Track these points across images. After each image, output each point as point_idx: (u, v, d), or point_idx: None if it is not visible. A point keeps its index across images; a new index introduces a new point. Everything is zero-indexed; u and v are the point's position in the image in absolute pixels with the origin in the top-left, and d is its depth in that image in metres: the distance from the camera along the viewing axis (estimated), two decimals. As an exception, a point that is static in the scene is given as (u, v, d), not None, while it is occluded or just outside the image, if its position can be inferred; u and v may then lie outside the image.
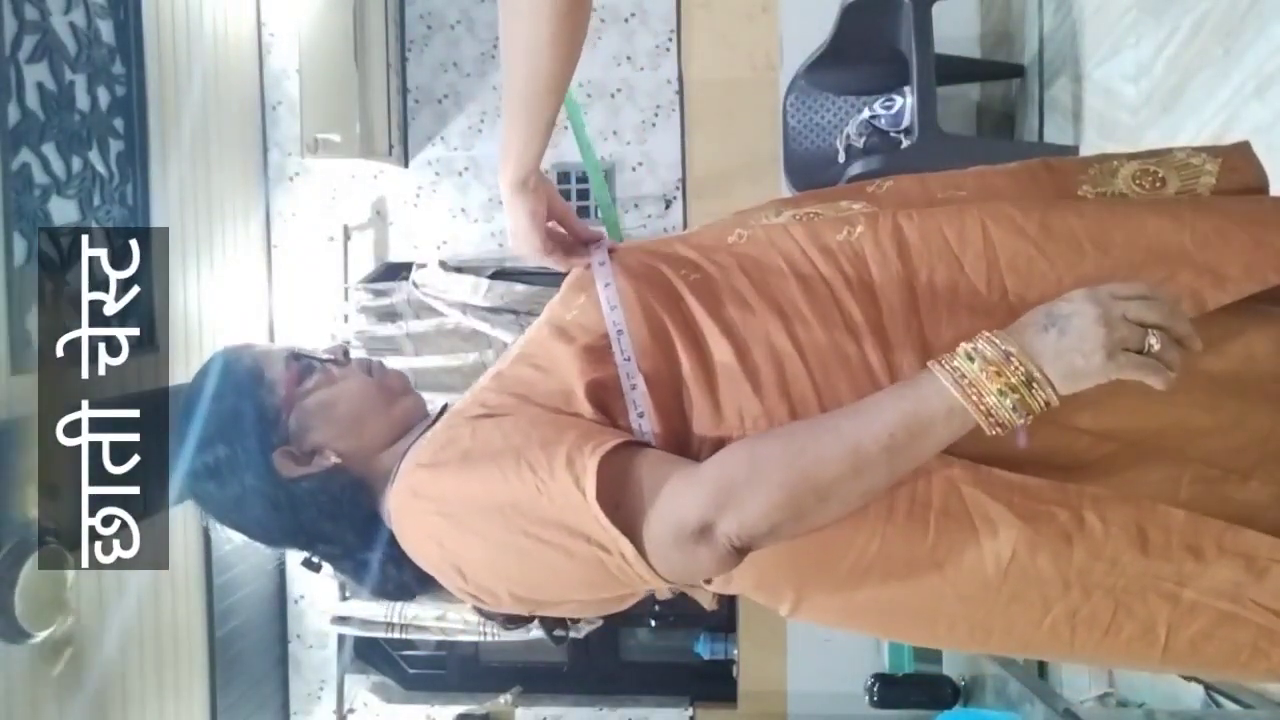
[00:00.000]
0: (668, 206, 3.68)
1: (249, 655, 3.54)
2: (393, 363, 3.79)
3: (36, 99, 2.60)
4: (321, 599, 3.72)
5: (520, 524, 0.90)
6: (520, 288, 3.44)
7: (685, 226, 3.68)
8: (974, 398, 0.80)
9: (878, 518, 0.89)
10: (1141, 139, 2.44)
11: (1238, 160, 1.04)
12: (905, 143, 3.02)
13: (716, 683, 3.79)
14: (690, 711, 3.80)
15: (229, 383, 1.08)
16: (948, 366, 0.82)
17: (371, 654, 3.89)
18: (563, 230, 1.10)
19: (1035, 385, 0.79)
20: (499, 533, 0.92)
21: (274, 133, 3.76)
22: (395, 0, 3.66)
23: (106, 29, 2.89)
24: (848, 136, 3.21)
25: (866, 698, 3.37)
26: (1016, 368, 0.80)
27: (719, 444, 0.92)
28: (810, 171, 3.34)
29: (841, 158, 3.23)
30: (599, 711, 3.82)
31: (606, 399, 0.95)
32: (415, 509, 0.98)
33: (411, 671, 3.98)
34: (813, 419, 0.89)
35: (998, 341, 0.81)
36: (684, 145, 3.67)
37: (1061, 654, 0.95)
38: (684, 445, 0.94)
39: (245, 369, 1.08)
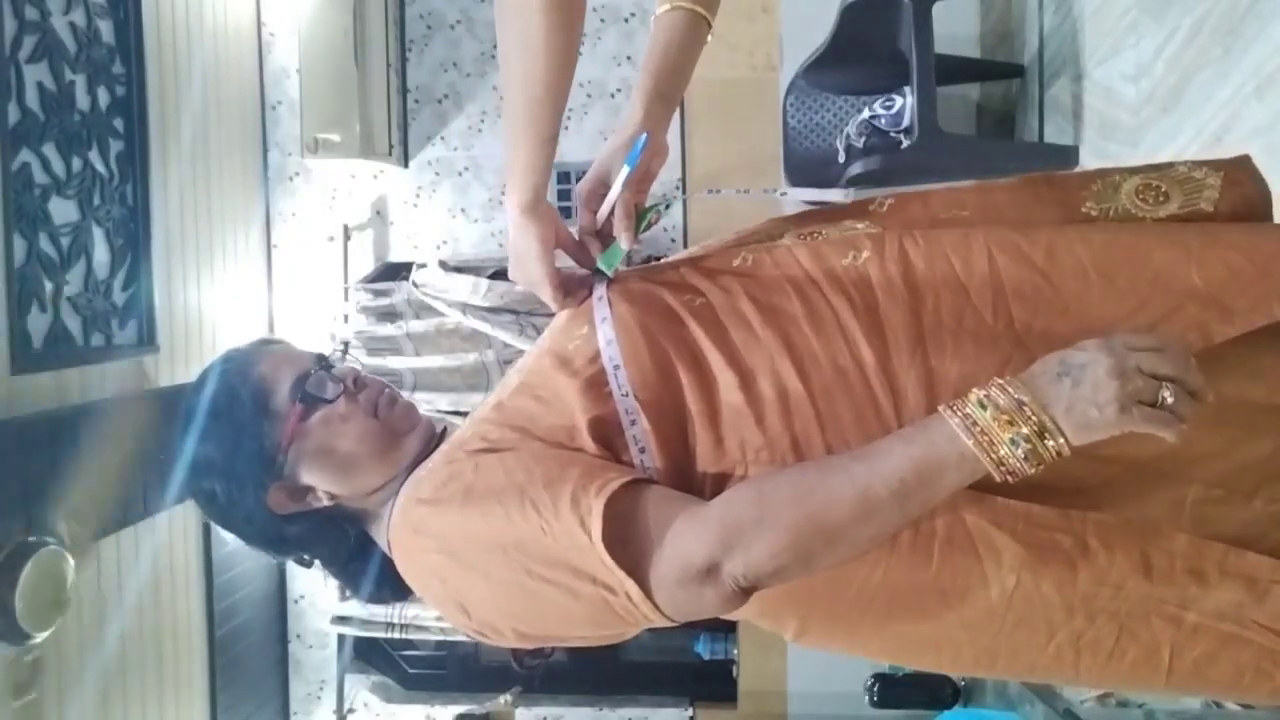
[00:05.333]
0: (667, 208, 3.68)
1: (249, 655, 3.54)
2: (393, 363, 3.80)
3: (36, 99, 2.59)
4: (321, 599, 3.72)
5: (524, 563, 0.90)
6: (520, 288, 3.43)
7: (685, 227, 3.68)
8: (986, 446, 0.79)
9: (881, 548, 0.88)
10: (1141, 139, 2.44)
11: (1239, 174, 1.03)
12: (905, 143, 3.02)
13: (716, 683, 3.79)
14: (690, 711, 3.80)
15: (232, 406, 1.05)
16: (959, 413, 0.81)
17: (371, 654, 3.89)
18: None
19: (1048, 435, 0.79)
20: (503, 571, 0.91)
21: (274, 133, 3.76)
22: (395, 0, 3.66)
23: (106, 29, 2.89)
24: (848, 136, 3.21)
25: (866, 698, 3.38)
26: (1029, 417, 0.79)
27: (721, 477, 0.92)
28: (810, 171, 3.34)
29: (841, 158, 3.23)
30: (599, 711, 3.82)
31: (609, 435, 0.94)
32: (417, 546, 0.98)
33: (411, 671, 3.98)
34: (822, 461, 0.89)
35: (1010, 390, 0.80)
36: (684, 145, 3.67)
37: (1067, 678, 0.95)
38: (687, 478, 0.93)
39: (251, 392, 1.05)
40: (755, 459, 0.91)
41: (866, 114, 3.15)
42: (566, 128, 3.15)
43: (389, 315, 3.64)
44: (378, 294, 3.64)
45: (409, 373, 3.59)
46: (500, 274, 3.55)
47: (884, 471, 0.83)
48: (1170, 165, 1.05)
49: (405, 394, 3.92)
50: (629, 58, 3.69)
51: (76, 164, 2.74)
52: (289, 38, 3.62)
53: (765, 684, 3.69)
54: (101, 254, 2.83)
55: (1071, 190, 1.03)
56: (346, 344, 3.64)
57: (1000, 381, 0.81)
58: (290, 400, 1.04)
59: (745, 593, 0.87)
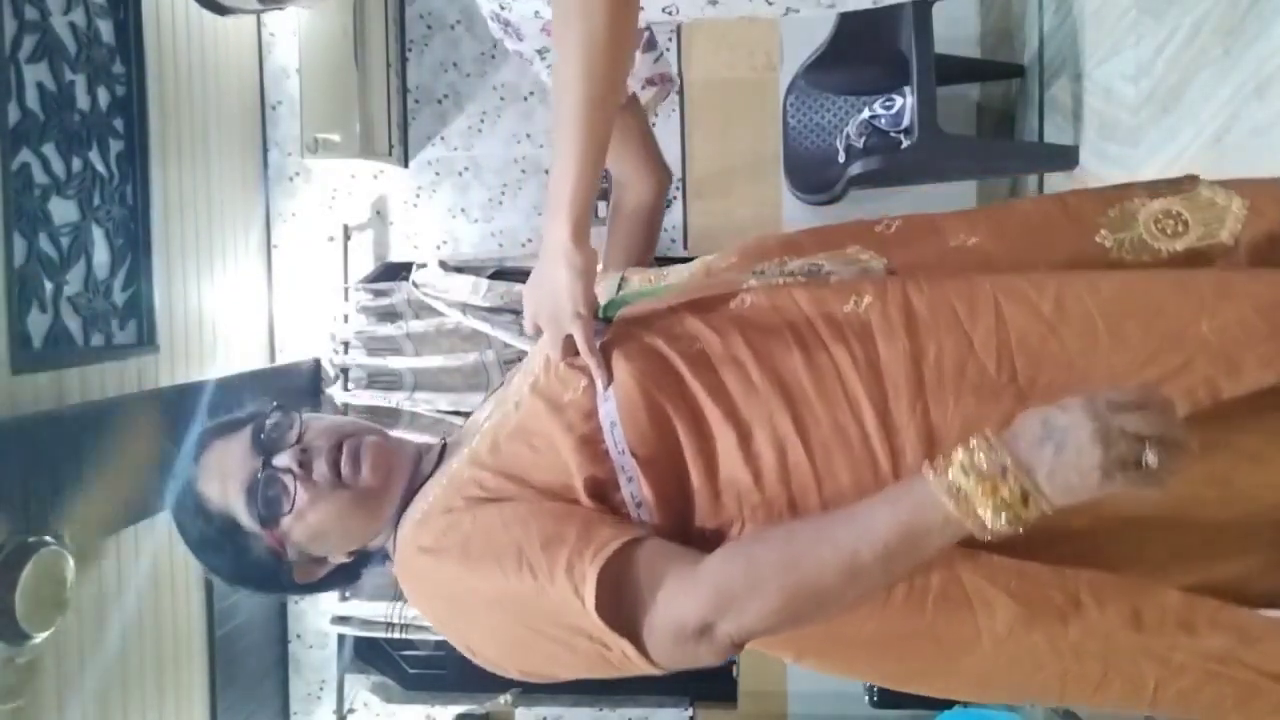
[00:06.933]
0: (668, 206, 3.68)
1: (249, 655, 3.54)
2: (393, 363, 3.78)
3: (36, 99, 2.59)
4: (322, 599, 3.72)
5: (523, 618, 0.92)
6: (520, 288, 3.41)
7: (685, 226, 3.68)
8: (968, 512, 0.79)
9: (875, 602, 0.90)
10: (1142, 139, 2.44)
11: (1264, 201, 1.00)
12: (905, 143, 3.02)
13: (716, 683, 3.79)
14: (690, 711, 3.80)
15: (215, 539, 1.07)
16: (944, 476, 0.80)
17: (371, 654, 3.89)
18: None
19: (1030, 500, 0.79)
20: (503, 624, 0.94)
21: (274, 133, 3.76)
22: (395, 0, 3.66)
23: (106, 29, 2.88)
24: (848, 136, 3.21)
25: (866, 698, 3.37)
26: (1012, 484, 0.78)
27: (719, 529, 0.94)
28: (810, 171, 3.33)
29: (841, 158, 3.23)
30: (599, 712, 3.82)
31: (605, 492, 0.95)
32: (422, 592, 1.02)
33: (411, 671, 3.97)
34: (810, 522, 0.89)
35: (994, 452, 0.79)
36: (684, 145, 3.67)
37: (1051, 702, 0.97)
38: (684, 529, 0.95)
39: (218, 527, 1.06)
40: (751, 515, 0.92)
41: (866, 114, 3.15)
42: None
43: (389, 315, 3.64)
44: (378, 294, 3.64)
45: (409, 373, 3.59)
46: (500, 274, 3.55)
47: (870, 537, 0.83)
48: (1194, 186, 1.01)
49: (405, 394, 3.86)
50: (629, 58, 3.68)
51: (76, 164, 2.73)
52: (289, 38, 3.62)
53: (765, 684, 3.69)
54: (101, 254, 2.83)
55: (1087, 216, 1.00)
56: (346, 343, 3.64)
57: (986, 440, 0.80)
58: (255, 521, 1.04)
59: (738, 646, 0.89)
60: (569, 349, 0.99)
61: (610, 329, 1.01)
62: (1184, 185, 1.01)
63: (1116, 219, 0.99)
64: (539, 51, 1.31)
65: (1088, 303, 0.91)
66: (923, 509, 0.82)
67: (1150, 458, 0.77)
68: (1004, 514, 0.78)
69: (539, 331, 1.03)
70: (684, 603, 0.87)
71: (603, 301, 1.04)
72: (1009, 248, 0.99)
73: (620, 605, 0.88)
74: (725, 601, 0.86)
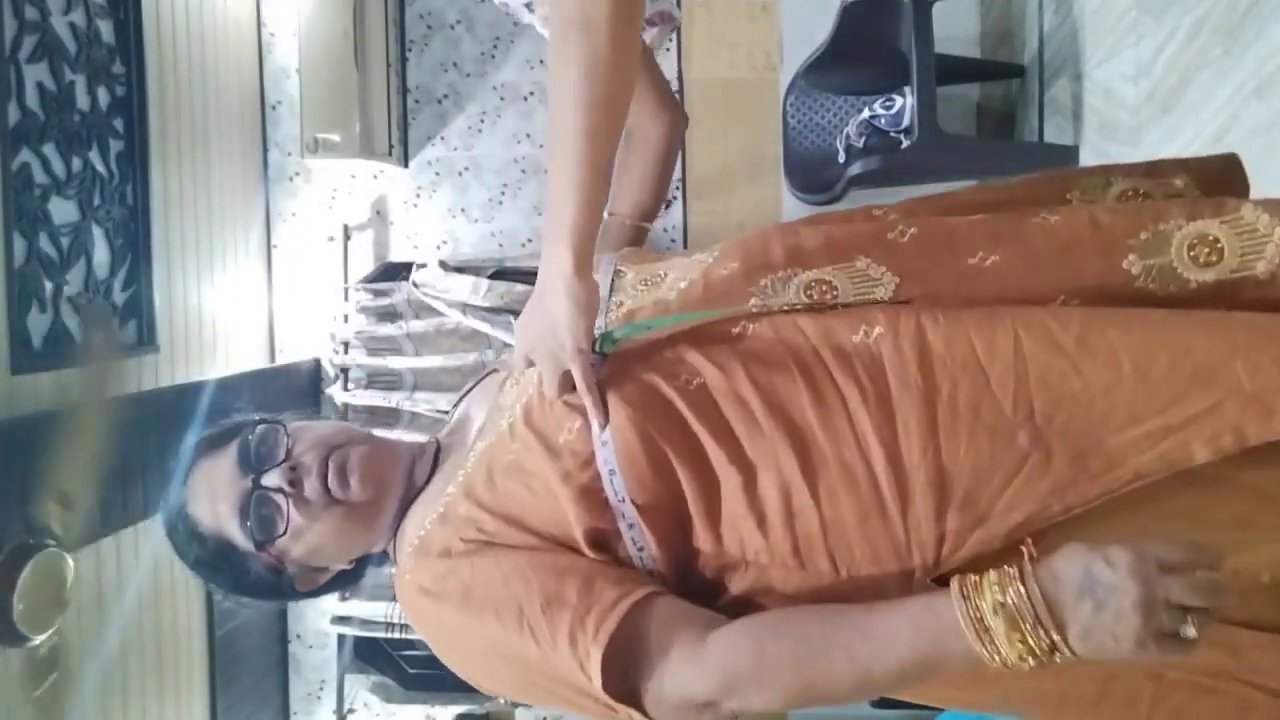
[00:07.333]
0: (668, 206, 3.68)
1: (249, 655, 3.54)
2: (393, 363, 3.77)
3: (36, 99, 2.59)
4: (321, 599, 3.72)
5: (526, 674, 0.92)
6: (520, 288, 3.44)
7: (685, 226, 3.68)
8: (993, 652, 0.77)
9: None
10: (1142, 139, 2.44)
11: None
12: (905, 143, 3.02)
13: (716, 683, 3.79)
14: (690, 711, 3.80)
15: (213, 560, 1.07)
16: (972, 607, 0.77)
17: (371, 654, 3.89)
18: None
19: (1057, 653, 0.76)
20: (505, 672, 0.95)
21: (274, 133, 3.76)
22: (395, 0, 3.66)
23: (106, 29, 2.88)
24: (848, 136, 3.21)
25: (866, 698, 3.38)
26: (1042, 637, 0.75)
27: (720, 572, 0.92)
28: (810, 171, 3.33)
29: (841, 158, 3.23)
30: (599, 711, 3.82)
31: (607, 540, 0.93)
32: (424, 628, 1.02)
33: (411, 671, 3.97)
34: (825, 623, 0.86)
35: (1029, 593, 0.75)
36: (684, 145, 3.67)
37: (1050, 717, 0.98)
38: (687, 570, 0.93)
39: (213, 548, 1.06)
40: (755, 560, 0.91)
41: (866, 114, 3.15)
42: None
43: (389, 315, 3.64)
44: (378, 294, 3.63)
45: (409, 373, 3.59)
46: (500, 274, 3.55)
47: (885, 656, 0.82)
48: (1237, 207, 0.94)
49: (405, 394, 3.84)
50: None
51: (76, 164, 2.73)
52: (289, 38, 3.62)
53: (765, 684, 3.69)
54: (101, 254, 2.83)
55: (1118, 238, 0.94)
56: (346, 343, 3.64)
57: (1022, 576, 0.76)
58: (250, 541, 1.04)
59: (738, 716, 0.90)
60: (566, 386, 0.94)
61: (606, 364, 0.96)
62: (1226, 205, 0.94)
63: (1148, 243, 0.92)
64: (526, 5, 1.31)
65: (1113, 339, 0.87)
66: (944, 636, 0.79)
67: (1189, 631, 0.74)
68: (1028, 659, 0.76)
69: (531, 365, 0.99)
70: (691, 679, 0.87)
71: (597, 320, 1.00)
72: (1029, 270, 0.93)
73: (625, 673, 0.87)
74: (731, 686, 0.86)
